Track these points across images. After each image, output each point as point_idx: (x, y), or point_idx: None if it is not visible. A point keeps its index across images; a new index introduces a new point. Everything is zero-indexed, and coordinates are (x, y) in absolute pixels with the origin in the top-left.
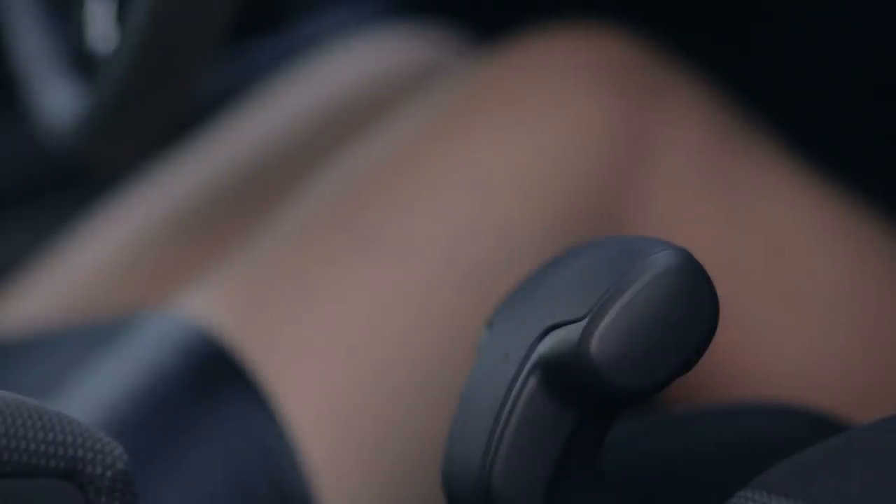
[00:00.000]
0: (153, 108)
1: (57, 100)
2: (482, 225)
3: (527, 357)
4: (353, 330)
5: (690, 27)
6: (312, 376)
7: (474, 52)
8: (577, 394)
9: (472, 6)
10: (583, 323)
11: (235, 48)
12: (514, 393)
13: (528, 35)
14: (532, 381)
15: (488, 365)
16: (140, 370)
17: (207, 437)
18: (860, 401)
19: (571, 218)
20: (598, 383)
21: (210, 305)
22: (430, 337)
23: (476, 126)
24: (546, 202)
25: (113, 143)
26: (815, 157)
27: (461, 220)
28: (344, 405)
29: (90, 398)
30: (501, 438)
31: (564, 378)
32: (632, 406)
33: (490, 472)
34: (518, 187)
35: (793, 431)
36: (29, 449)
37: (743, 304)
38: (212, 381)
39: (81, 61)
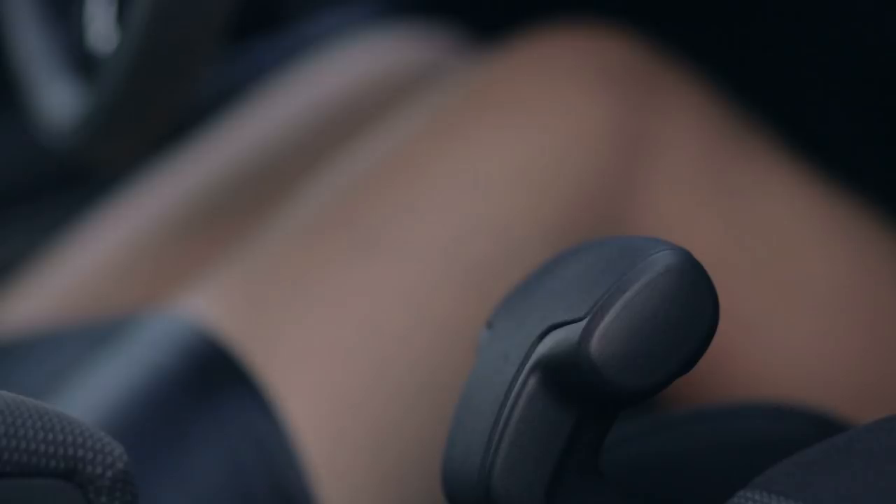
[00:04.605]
0: (153, 108)
1: (57, 100)
2: (482, 225)
3: (527, 357)
4: (352, 330)
5: (690, 27)
6: (312, 376)
7: (474, 52)
8: (577, 394)
9: (472, 6)
10: (583, 323)
11: (235, 48)
12: (514, 393)
13: (528, 35)
14: (532, 382)
15: (488, 365)
16: (140, 370)
17: (207, 437)
18: (860, 401)
19: (571, 218)
20: (598, 383)
21: (210, 305)
22: (430, 337)
23: (476, 126)
24: (546, 202)
25: (113, 143)
26: (815, 156)
27: (461, 220)
28: (344, 405)
29: (90, 398)
30: (501, 438)
31: (564, 378)
32: (632, 406)
33: (490, 472)
34: (518, 187)
35: (793, 431)
36: (29, 449)
37: (743, 304)
38: (212, 381)
39: (81, 61)
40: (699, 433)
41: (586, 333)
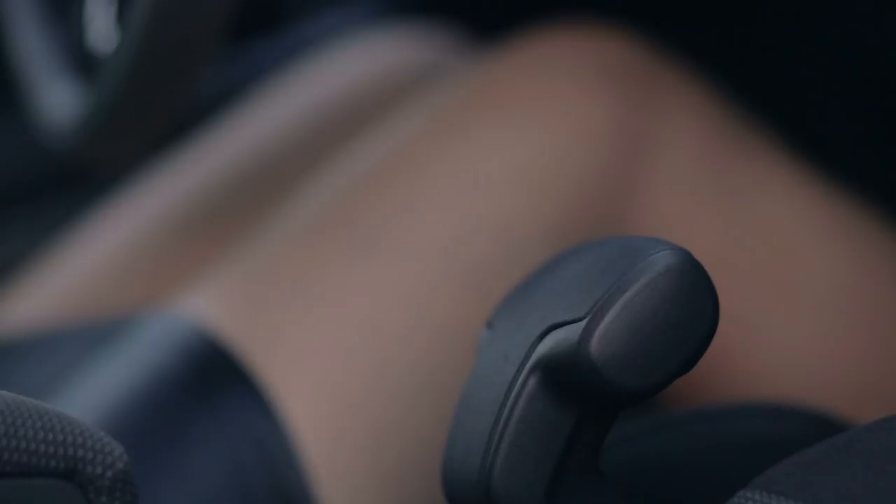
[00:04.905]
0: (153, 108)
1: (57, 100)
2: (482, 225)
3: (527, 357)
4: (352, 330)
5: (690, 27)
6: (312, 376)
7: (474, 52)
8: (577, 394)
9: (472, 6)
10: (583, 323)
11: (235, 48)
12: (514, 393)
13: (528, 35)
14: (532, 382)
15: (488, 365)
16: (140, 370)
17: (207, 438)
18: (860, 401)
19: (571, 218)
20: (598, 383)
21: (210, 305)
22: (430, 337)
23: (476, 126)
24: (546, 202)
25: (113, 143)
26: (815, 156)
27: (461, 220)
28: (344, 405)
29: (90, 398)
30: (501, 438)
31: (564, 378)
32: (632, 406)
33: (490, 472)
34: (518, 187)
35: (793, 431)
36: (29, 449)
37: (743, 304)
38: (212, 381)
39: (81, 61)
40: (699, 433)
41: (586, 333)
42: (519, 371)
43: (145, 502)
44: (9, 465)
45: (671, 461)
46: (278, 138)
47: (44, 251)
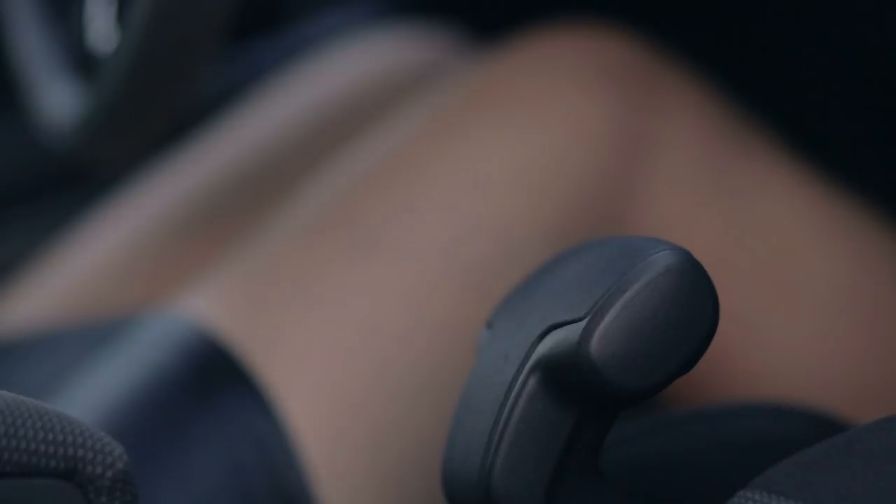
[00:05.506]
0: (153, 108)
1: (57, 100)
2: (482, 225)
3: (527, 357)
4: (353, 330)
5: (690, 27)
6: (312, 376)
7: (474, 52)
8: (577, 394)
9: (472, 6)
10: (583, 323)
11: (235, 48)
12: (514, 393)
13: (528, 35)
14: (532, 382)
15: (488, 365)
16: (140, 370)
17: (207, 438)
18: (860, 401)
19: (571, 218)
20: (598, 383)
21: (210, 305)
22: (430, 337)
23: (476, 126)
24: (546, 202)
25: (113, 143)
26: (815, 156)
27: (461, 220)
28: (344, 405)
29: (90, 398)
30: (501, 438)
31: (564, 378)
32: (632, 406)
33: (490, 472)
34: (518, 187)
35: (793, 431)
36: (29, 449)
37: (743, 304)
38: (212, 381)
39: (81, 61)
40: (699, 433)
41: (586, 333)
42: (519, 371)
43: (145, 502)
44: (9, 465)
45: (671, 461)
46: (278, 138)
47: (44, 251)
